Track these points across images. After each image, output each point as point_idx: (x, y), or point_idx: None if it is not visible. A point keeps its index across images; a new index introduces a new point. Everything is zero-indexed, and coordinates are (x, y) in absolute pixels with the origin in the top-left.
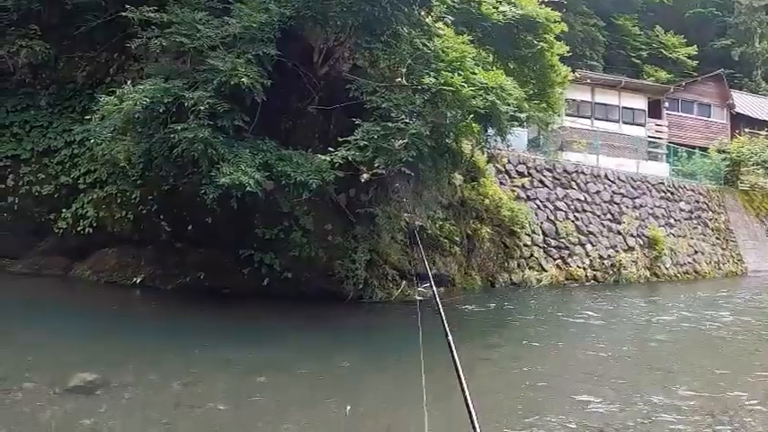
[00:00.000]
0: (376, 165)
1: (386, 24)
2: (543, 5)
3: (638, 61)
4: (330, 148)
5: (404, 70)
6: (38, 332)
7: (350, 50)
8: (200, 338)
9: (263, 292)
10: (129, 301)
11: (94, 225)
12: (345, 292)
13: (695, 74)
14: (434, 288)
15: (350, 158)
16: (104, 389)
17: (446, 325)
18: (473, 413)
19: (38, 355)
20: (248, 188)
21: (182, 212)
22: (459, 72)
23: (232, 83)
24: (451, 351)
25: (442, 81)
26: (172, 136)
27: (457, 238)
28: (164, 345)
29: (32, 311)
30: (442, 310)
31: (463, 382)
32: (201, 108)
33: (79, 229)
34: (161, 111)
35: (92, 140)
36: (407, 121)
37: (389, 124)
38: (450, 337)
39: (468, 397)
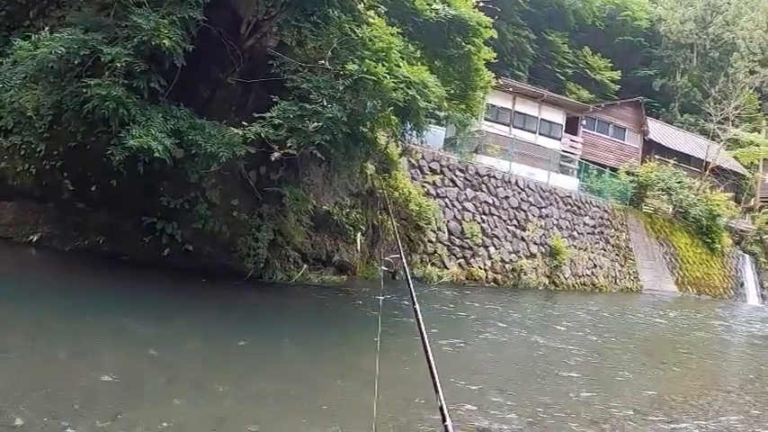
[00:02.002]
0: (288, 145)
1: (317, 5)
2: (477, 9)
3: (562, 78)
4: (245, 123)
5: (329, 53)
6: None
7: (278, 26)
8: (93, 306)
9: (162, 262)
10: (23, 259)
11: None
12: (246, 270)
13: (616, 97)
14: (407, 268)
15: (263, 135)
16: None
17: (413, 295)
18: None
19: None
20: (156, 153)
21: (87, 172)
22: (384, 63)
23: (153, 43)
24: (417, 319)
25: (366, 69)
26: (84, 90)
27: (362, 227)
28: (56, 310)
29: None
30: (411, 284)
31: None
32: (118, 65)
33: None
34: (76, 63)
35: (0, 86)
36: (325, 104)
37: (307, 105)
38: (417, 306)
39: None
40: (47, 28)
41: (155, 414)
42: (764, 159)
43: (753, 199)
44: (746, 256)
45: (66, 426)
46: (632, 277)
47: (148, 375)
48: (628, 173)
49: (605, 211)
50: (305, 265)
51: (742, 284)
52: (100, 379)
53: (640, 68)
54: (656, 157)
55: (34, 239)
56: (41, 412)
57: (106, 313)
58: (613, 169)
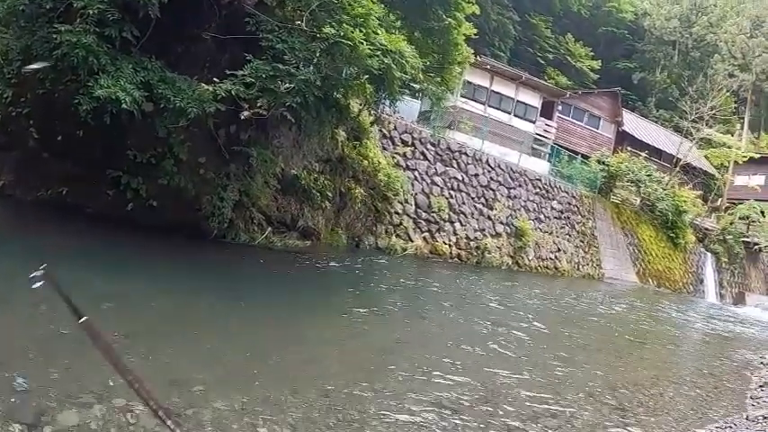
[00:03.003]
0: (259, 104)
1: None
2: None
3: (542, 62)
4: (216, 80)
5: (307, 15)
6: None
7: None
8: (52, 258)
9: (126, 216)
10: None
11: None
12: (209, 230)
13: (593, 86)
14: None
15: (234, 93)
16: None
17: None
18: None
19: None
20: (124, 105)
21: (53, 121)
22: (362, 29)
23: None
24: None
25: (343, 33)
26: (54, 36)
27: (329, 194)
28: (12, 259)
29: None
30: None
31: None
32: (90, 12)
33: None
34: (48, 8)
35: None
36: (300, 67)
37: (281, 66)
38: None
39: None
40: None
41: (105, 369)
42: (734, 162)
43: (720, 199)
44: (708, 254)
45: (16, 376)
46: (595, 264)
47: (102, 329)
48: (599, 161)
49: (573, 197)
50: (269, 228)
51: (701, 281)
52: (54, 330)
53: (621, 60)
54: (629, 148)
55: None
56: None
57: (65, 264)
58: (585, 157)
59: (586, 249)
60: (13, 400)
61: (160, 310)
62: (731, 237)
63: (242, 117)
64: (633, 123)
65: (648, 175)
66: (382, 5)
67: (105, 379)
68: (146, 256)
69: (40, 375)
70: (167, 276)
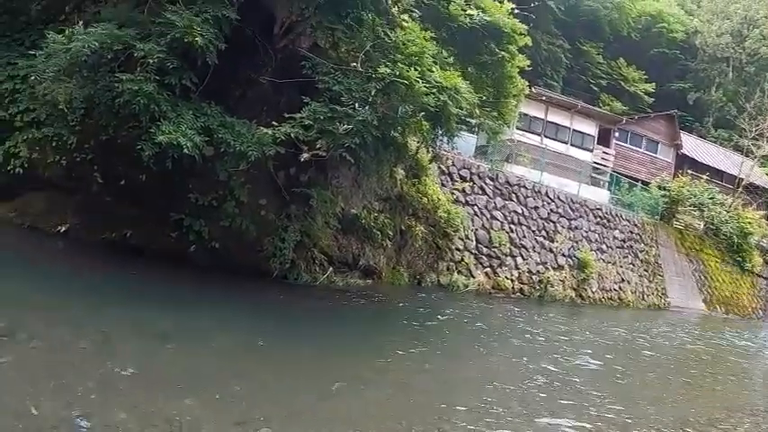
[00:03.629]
0: (318, 146)
1: (351, 7)
2: (512, 17)
3: (596, 88)
4: (275, 123)
5: (362, 56)
6: None
7: (312, 28)
8: (116, 297)
9: (188, 258)
10: (50, 249)
11: (26, 166)
12: (271, 270)
13: (649, 110)
14: None
15: (293, 136)
16: (10, 337)
17: None
18: None
19: None
20: (185, 150)
21: (116, 166)
22: (417, 67)
23: (186, 40)
24: None
25: (398, 73)
26: (116, 85)
27: (390, 232)
28: (79, 300)
29: None
30: None
31: None
32: (151, 61)
33: (9, 167)
34: (109, 58)
35: (34, 78)
36: (356, 107)
37: (338, 107)
38: None
39: None
40: (81, 22)
41: (170, 408)
42: None
43: None
44: None
45: (80, 416)
46: (660, 293)
47: (165, 369)
48: (659, 187)
49: (635, 225)
50: (330, 268)
51: None
52: (118, 371)
53: (675, 81)
54: (689, 171)
55: (62, 230)
56: (58, 402)
57: (128, 305)
58: (645, 183)
59: (650, 278)
60: None
61: (221, 350)
62: None
63: (301, 159)
64: (692, 145)
65: (711, 198)
66: (435, 42)
67: (172, 419)
68: (207, 296)
69: (105, 417)
70: (228, 317)
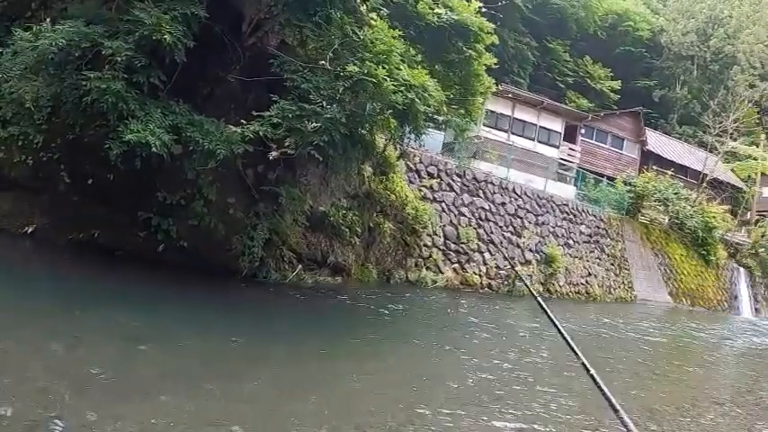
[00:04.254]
0: (286, 144)
1: (320, 5)
2: (479, 15)
3: (562, 86)
4: (243, 121)
5: (330, 54)
6: None
7: (280, 25)
8: (86, 299)
9: (157, 258)
10: (17, 250)
11: None
12: (240, 269)
13: (615, 107)
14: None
15: (261, 134)
16: None
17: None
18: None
19: None
20: (154, 148)
21: (84, 165)
22: (385, 65)
23: (154, 38)
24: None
25: (366, 71)
26: (84, 83)
27: (358, 229)
28: (48, 302)
29: None
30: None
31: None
32: (119, 59)
33: None
34: (77, 55)
35: (0, 76)
36: (324, 105)
37: (306, 106)
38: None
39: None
40: (48, 20)
41: (143, 410)
42: (762, 173)
43: (749, 212)
44: (741, 269)
45: (53, 417)
46: (627, 287)
47: (138, 370)
48: (625, 182)
49: (601, 220)
50: (300, 266)
51: (736, 297)
52: (89, 372)
53: (640, 79)
54: (654, 167)
55: (29, 231)
56: (30, 404)
57: (98, 306)
58: (611, 179)
59: (617, 272)
60: None
61: (193, 350)
62: (763, 250)
63: (270, 157)
64: (657, 142)
65: (676, 194)
66: (403, 40)
67: (146, 418)
68: (178, 296)
69: (77, 418)
70: (199, 316)
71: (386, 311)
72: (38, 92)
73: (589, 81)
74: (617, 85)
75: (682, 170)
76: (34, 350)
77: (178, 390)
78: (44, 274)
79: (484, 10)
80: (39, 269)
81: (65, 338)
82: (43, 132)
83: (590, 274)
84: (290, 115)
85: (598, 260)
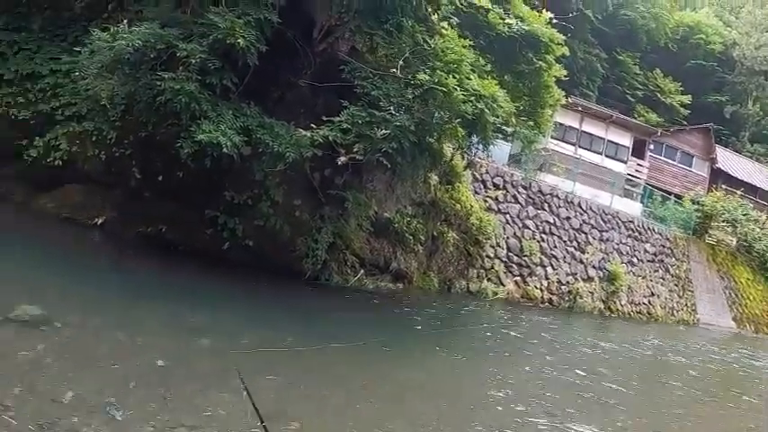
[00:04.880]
0: (355, 150)
1: (391, 13)
2: (550, 26)
3: (631, 99)
4: (313, 125)
5: (400, 62)
6: None
7: (351, 32)
8: (152, 292)
9: (221, 255)
10: (87, 241)
11: (65, 159)
12: (303, 270)
13: (685, 123)
14: None
15: (331, 139)
16: (47, 326)
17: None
18: None
19: None
20: (224, 149)
21: (155, 162)
22: (455, 74)
23: (228, 42)
24: None
25: (436, 80)
26: (158, 83)
27: (422, 237)
28: (113, 291)
29: None
30: None
31: None
32: (193, 61)
33: (49, 160)
34: (152, 56)
35: (77, 73)
36: (394, 112)
37: (376, 112)
38: None
39: None
40: (125, 21)
41: (201, 401)
42: None
43: None
44: None
45: (113, 404)
46: (689, 309)
47: (199, 364)
48: (693, 201)
49: (667, 239)
50: (362, 270)
51: None
52: (151, 363)
53: (711, 94)
54: (723, 186)
55: (99, 222)
56: (92, 390)
57: (164, 299)
58: (678, 197)
59: (681, 293)
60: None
61: (251, 346)
62: None
63: (339, 162)
64: (727, 160)
65: (745, 215)
66: (473, 50)
67: (200, 412)
68: (240, 293)
69: (138, 406)
70: (261, 315)
71: (446, 320)
72: (113, 90)
73: (659, 95)
74: (687, 99)
75: (752, 190)
76: (99, 338)
77: (235, 383)
78: (112, 265)
79: (554, 21)
80: (107, 260)
81: (129, 328)
82: (117, 129)
83: (653, 294)
84: (360, 121)
85: (662, 280)
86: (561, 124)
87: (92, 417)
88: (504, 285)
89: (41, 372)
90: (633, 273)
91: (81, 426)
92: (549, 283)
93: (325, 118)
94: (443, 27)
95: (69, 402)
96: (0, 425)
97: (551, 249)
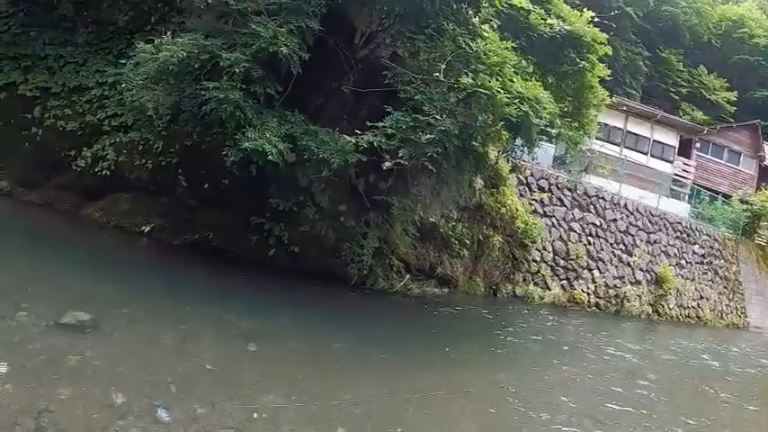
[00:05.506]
0: (400, 155)
1: (432, 17)
2: (591, 25)
3: (676, 97)
4: (357, 131)
5: (443, 66)
6: (40, 264)
7: (392, 37)
8: (199, 297)
9: (267, 262)
10: (134, 248)
11: (113, 168)
12: (349, 276)
13: (731, 120)
14: None
15: (375, 144)
16: (95, 330)
17: None
18: None
19: (37, 287)
20: (270, 157)
21: (200, 170)
22: (498, 77)
23: (271, 50)
24: None
25: (479, 83)
26: (203, 93)
27: (467, 241)
28: (161, 297)
29: (39, 243)
30: None
31: None
32: (237, 70)
33: (97, 169)
34: (196, 66)
35: (123, 85)
36: (438, 117)
37: (420, 117)
38: None
39: None
40: (169, 33)
41: (248, 405)
42: None
43: None
44: None
45: (161, 407)
46: (739, 312)
47: (245, 369)
48: (742, 201)
49: (716, 240)
50: (407, 275)
51: None
52: (199, 367)
53: (758, 89)
54: None
55: (146, 230)
56: (140, 393)
57: (211, 305)
58: (726, 196)
59: (730, 296)
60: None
61: (299, 351)
62: None
63: (384, 167)
64: None
65: None
66: (515, 52)
67: (249, 415)
68: (286, 299)
69: (186, 410)
70: (307, 320)
71: (496, 324)
72: (158, 100)
73: (704, 92)
74: (733, 96)
75: None
76: (148, 342)
77: (282, 388)
78: (159, 272)
79: (596, 20)
80: (154, 267)
81: (176, 333)
82: (162, 138)
83: (702, 297)
84: (404, 126)
85: (711, 282)
86: (606, 125)
87: (140, 420)
88: (550, 289)
89: (90, 376)
90: (681, 275)
91: (130, 427)
92: (595, 286)
93: (368, 123)
94: (485, 29)
95: (119, 406)
96: (50, 429)
97: (598, 252)
